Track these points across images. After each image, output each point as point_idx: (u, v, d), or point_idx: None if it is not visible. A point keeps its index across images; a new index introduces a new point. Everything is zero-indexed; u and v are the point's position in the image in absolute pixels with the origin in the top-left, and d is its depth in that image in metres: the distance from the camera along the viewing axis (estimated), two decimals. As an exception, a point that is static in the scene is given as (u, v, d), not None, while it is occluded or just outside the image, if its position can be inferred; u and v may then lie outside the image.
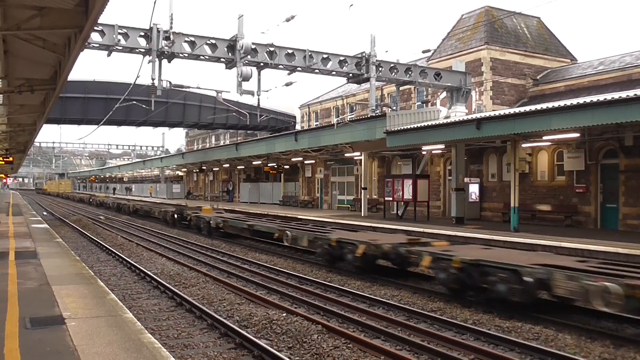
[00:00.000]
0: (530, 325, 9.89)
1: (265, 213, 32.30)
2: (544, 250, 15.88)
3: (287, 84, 26.13)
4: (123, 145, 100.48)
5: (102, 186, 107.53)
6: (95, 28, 19.76)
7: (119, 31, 21.00)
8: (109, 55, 21.53)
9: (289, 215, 29.87)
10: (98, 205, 59.47)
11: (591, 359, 8.05)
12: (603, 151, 22.94)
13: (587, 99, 17.02)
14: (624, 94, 15.86)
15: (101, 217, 41.85)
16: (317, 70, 25.10)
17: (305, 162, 41.79)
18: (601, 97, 16.55)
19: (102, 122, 38.04)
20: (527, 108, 19.07)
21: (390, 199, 28.50)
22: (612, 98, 15.84)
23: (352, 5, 23.89)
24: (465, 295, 12.11)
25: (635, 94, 15.24)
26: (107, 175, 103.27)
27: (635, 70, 26.22)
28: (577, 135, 20.44)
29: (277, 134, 41.96)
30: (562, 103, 17.93)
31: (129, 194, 79.27)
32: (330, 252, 16.39)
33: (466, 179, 26.72)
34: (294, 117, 53.79)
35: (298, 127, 51.27)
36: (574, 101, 17.59)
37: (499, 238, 17.93)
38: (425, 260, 12.63)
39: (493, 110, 28.57)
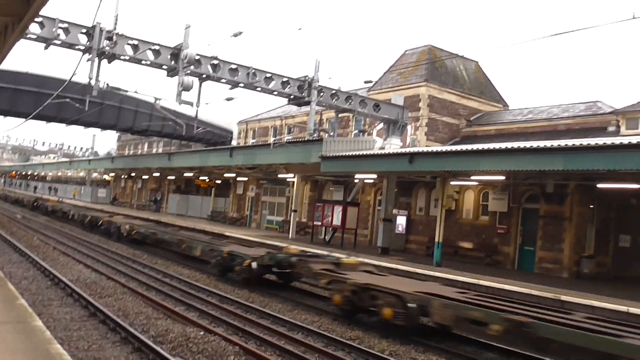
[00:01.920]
0: (445, 359, 10.11)
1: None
2: (463, 287, 16.32)
3: (228, 99, 26.02)
4: (50, 143, 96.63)
5: (23, 183, 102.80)
6: (35, 19, 19.08)
7: (60, 25, 20.33)
8: (46, 48, 20.78)
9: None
10: None
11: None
12: (525, 195, 23.94)
13: (515, 145, 17.79)
14: (548, 144, 16.68)
15: (17, 215, 39.97)
16: (259, 89, 25.08)
17: (238, 178, 41.47)
18: (528, 144, 17.34)
19: (31, 116, 36.66)
20: (459, 147, 19.71)
21: (320, 223, 28.64)
22: (538, 146, 16.63)
23: (300, 28, 24.15)
24: (122, 239, 25.97)
25: (559, 145, 16.06)
26: (29, 172, 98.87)
27: (560, 122, 27.65)
28: (502, 178, 21.27)
29: (212, 148, 41.59)
30: (491, 146, 18.65)
31: (56, 194, 76.53)
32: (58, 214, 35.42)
33: (395, 211, 27.20)
34: (231, 132, 53.38)
35: (234, 142, 50.91)
36: (503, 145, 18.35)
37: (421, 272, 18.32)
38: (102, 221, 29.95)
39: (427, 145, 29.35)
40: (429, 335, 12.02)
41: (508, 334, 9.48)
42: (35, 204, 49.63)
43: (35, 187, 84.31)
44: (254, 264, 15.77)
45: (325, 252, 19.66)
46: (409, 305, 11.18)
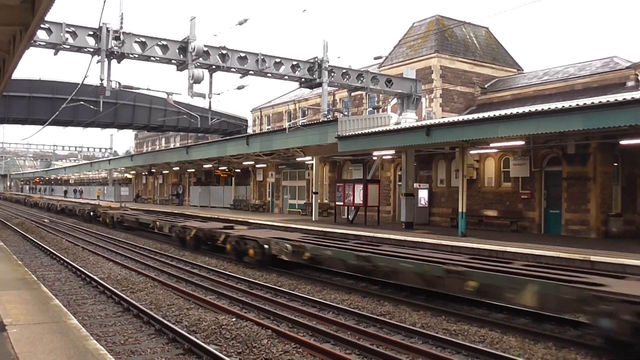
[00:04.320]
0: (477, 328, 10.11)
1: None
2: (490, 255, 16.26)
3: (239, 87, 26.01)
4: (70, 147, 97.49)
5: (48, 188, 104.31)
6: (42, 26, 19.22)
7: (67, 30, 20.48)
8: (55, 54, 20.99)
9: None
10: (4, 199, 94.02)
11: (534, 361, 8.28)
12: (547, 159, 23.69)
13: (532, 108, 17.55)
14: (566, 104, 16.43)
15: (45, 220, 40.63)
16: (269, 75, 25.05)
17: (257, 166, 41.63)
18: (545, 107, 17.09)
19: (47, 122, 37.05)
20: (475, 116, 19.52)
21: (341, 203, 28.67)
22: (556, 107, 16.39)
23: (305, 10, 24.02)
24: (61, 213, 49.75)
25: (577, 104, 15.82)
26: (52, 177, 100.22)
27: (577, 81, 27.21)
28: (522, 142, 21.04)
29: (228, 138, 41.68)
30: (508, 111, 18.44)
31: (81, 196, 78.19)
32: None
33: (416, 185, 27.12)
34: (246, 121, 53.53)
35: (250, 130, 51.04)
36: (520, 110, 18.11)
37: (447, 243, 18.28)
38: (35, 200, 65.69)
39: (442, 117, 29.13)
40: (453, 303, 12.03)
41: None
42: (25, 200, 74.70)
43: (66, 191, 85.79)
44: (91, 212, 37.53)
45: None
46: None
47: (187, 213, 36.37)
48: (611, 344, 8.49)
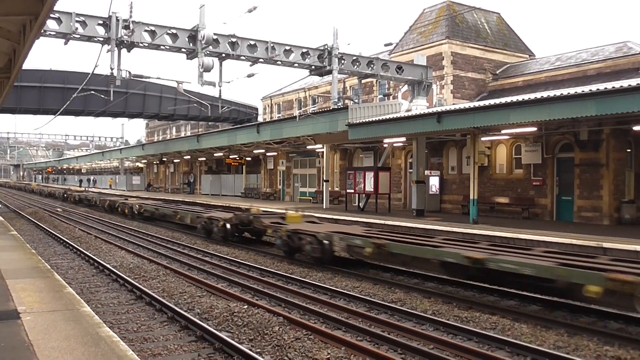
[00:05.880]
0: (488, 315, 10.09)
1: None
2: (502, 242, 16.21)
3: (249, 76, 25.99)
4: (81, 136, 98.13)
5: (60, 178, 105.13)
6: (52, 15, 19.26)
7: (77, 19, 20.50)
8: (66, 43, 21.03)
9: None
10: (10, 187, 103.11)
11: (546, 347, 8.25)
12: (559, 145, 23.51)
13: (544, 94, 17.40)
14: (579, 90, 16.26)
15: (58, 209, 40.96)
16: (279, 62, 24.98)
17: (267, 154, 41.66)
18: (558, 93, 16.94)
19: (59, 112, 37.21)
20: (487, 102, 19.40)
21: (352, 191, 28.66)
22: (568, 93, 16.23)
23: (315, -3, 23.78)
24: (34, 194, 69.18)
25: (590, 90, 15.66)
26: (64, 167, 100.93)
27: (590, 67, 26.92)
28: (534, 129, 20.89)
29: (238, 126, 41.70)
30: (520, 98, 18.28)
31: (95, 185, 78.82)
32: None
33: (427, 172, 27.03)
34: (256, 109, 53.49)
35: (260, 119, 51.00)
36: (532, 96, 17.96)
37: (458, 230, 18.23)
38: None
39: (453, 103, 28.94)
40: (470, 290, 12.01)
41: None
42: (25, 187, 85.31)
43: (81, 181, 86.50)
44: (64, 194, 49.42)
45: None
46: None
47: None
48: (203, 232, 21.78)
